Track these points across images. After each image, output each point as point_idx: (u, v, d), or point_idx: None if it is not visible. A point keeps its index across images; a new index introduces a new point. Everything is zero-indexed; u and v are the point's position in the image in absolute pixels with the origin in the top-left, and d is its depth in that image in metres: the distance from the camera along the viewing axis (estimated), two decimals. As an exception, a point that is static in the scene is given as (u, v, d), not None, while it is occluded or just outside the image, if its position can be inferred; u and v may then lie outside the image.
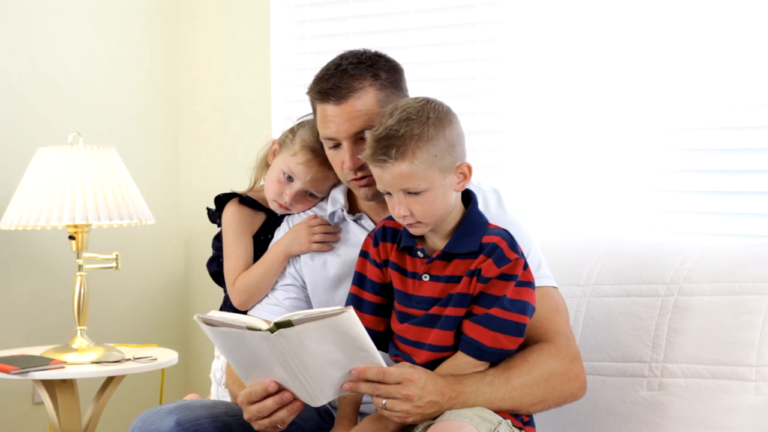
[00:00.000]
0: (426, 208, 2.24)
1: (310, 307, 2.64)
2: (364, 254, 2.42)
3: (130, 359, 3.51)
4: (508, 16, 3.47)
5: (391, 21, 3.80)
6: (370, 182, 2.47)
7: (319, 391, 2.22)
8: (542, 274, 2.44)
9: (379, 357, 2.19)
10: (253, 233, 2.76)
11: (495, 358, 2.28)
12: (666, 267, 2.64)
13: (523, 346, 2.32)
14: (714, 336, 2.51)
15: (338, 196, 2.64)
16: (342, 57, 2.50)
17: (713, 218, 3.05)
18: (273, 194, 2.70)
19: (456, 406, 2.23)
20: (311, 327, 2.11)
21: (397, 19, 3.78)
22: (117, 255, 3.61)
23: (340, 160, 2.49)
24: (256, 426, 2.30)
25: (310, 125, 2.65)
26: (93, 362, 3.49)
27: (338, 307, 2.11)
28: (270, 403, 2.25)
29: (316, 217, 2.65)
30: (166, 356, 3.60)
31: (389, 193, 2.27)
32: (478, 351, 2.26)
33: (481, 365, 2.28)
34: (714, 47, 3.03)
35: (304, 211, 2.70)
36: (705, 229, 3.04)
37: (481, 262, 2.25)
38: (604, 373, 2.63)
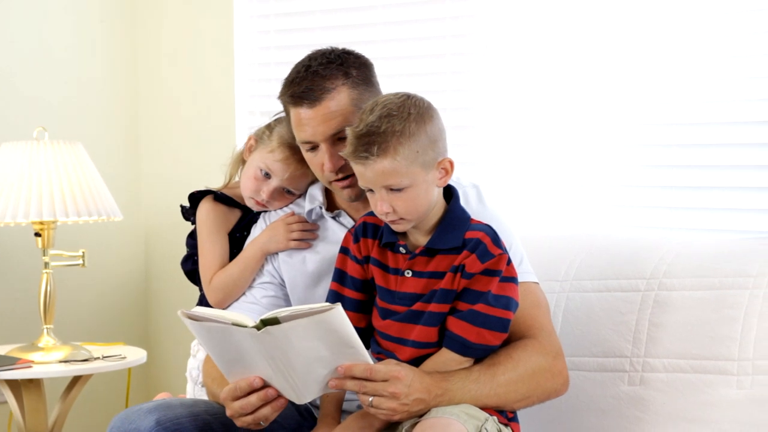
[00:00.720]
0: (408, 204, 2.23)
1: (288, 305, 2.62)
2: (344, 250, 2.40)
3: (98, 358, 3.47)
4: (478, 11, 3.46)
5: (359, 16, 3.78)
6: (353, 182, 2.45)
7: (304, 388, 2.20)
8: (524, 269, 2.44)
9: (366, 354, 2.17)
10: (228, 231, 2.73)
11: (479, 354, 2.28)
12: (645, 262, 2.65)
13: (506, 342, 2.31)
14: (695, 330, 2.51)
15: (316, 193, 2.62)
16: (310, 58, 2.47)
17: (690, 214, 3.06)
18: (250, 191, 2.67)
19: (442, 403, 2.22)
20: (298, 324, 2.09)
21: (364, 14, 3.76)
22: (84, 252, 3.56)
23: (319, 162, 2.47)
24: (238, 423, 2.27)
25: (287, 121, 2.63)
26: (61, 361, 3.44)
27: (326, 304, 2.09)
28: (254, 399, 2.23)
29: (293, 214, 2.63)
30: (135, 355, 3.56)
31: (371, 190, 2.26)
32: (462, 347, 2.25)
33: (465, 361, 2.27)
34: (692, 43, 3.03)
35: (281, 208, 2.68)
36: (682, 224, 3.05)
37: (465, 257, 2.24)
38: (585, 369, 2.63)
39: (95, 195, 3.52)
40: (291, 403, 2.31)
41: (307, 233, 2.60)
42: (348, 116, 2.42)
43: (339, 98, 2.42)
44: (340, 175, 2.47)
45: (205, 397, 2.79)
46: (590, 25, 3.20)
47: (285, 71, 3.84)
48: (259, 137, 2.69)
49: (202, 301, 2.78)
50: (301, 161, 2.58)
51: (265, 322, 2.10)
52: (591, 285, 2.70)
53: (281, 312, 2.10)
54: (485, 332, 2.24)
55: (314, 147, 2.47)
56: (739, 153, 2.99)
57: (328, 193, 2.62)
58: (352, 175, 2.43)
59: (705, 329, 2.50)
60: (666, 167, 3.10)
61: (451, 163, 2.27)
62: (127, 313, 4.24)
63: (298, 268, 2.60)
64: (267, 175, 2.64)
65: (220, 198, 2.73)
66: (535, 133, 3.33)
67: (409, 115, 2.21)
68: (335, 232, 2.58)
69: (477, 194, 2.50)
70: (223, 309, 2.64)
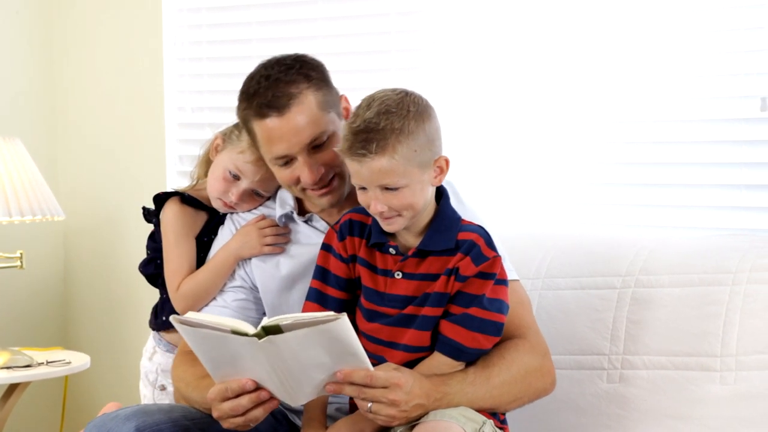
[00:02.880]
0: (403, 203, 2.19)
1: (259, 308, 2.57)
2: (326, 248, 2.34)
3: (43, 363, 3.34)
4: (423, 7, 3.44)
5: (297, 10, 3.73)
6: (332, 188, 2.42)
7: (299, 391, 2.16)
8: (506, 267, 2.42)
9: (367, 360, 2.13)
10: (195, 234, 2.65)
11: (472, 358, 2.25)
12: (620, 259, 2.66)
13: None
14: (676, 327, 2.53)
15: (287, 197, 2.56)
16: (266, 67, 2.41)
17: (660, 211, 3.07)
18: (217, 192, 2.60)
19: (440, 406, 2.19)
20: (302, 333, 2.05)
21: (304, 9, 3.71)
22: (21, 253, 3.44)
23: (295, 176, 2.41)
24: (225, 424, 2.22)
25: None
26: (1, 367, 3.32)
27: (331, 313, 2.04)
28: (245, 401, 2.18)
29: (264, 218, 2.57)
30: (78, 360, 3.44)
31: (363, 188, 2.20)
32: (456, 351, 2.22)
33: (457, 365, 2.24)
34: (666, 41, 3.04)
35: (249, 211, 2.62)
36: (652, 221, 3.06)
37: (459, 260, 2.21)
38: (561, 366, 2.63)
39: (38, 193, 3.40)
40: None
41: (280, 237, 2.54)
42: (318, 121, 2.37)
43: (306, 102, 2.36)
44: (320, 184, 2.41)
45: (167, 401, 2.76)
46: (561, 18, 3.19)
47: (217, 66, 3.89)
48: (228, 137, 2.61)
49: (164, 305, 2.71)
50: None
51: (267, 330, 2.05)
52: (564, 282, 2.70)
53: (283, 320, 2.05)
54: (479, 336, 2.22)
55: (288, 161, 2.40)
56: (710, 150, 3.02)
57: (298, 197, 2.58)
58: (330, 182, 2.41)
59: (686, 326, 2.52)
60: (636, 165, 3.11)
61: (447, 162, 2.23)
62: (41, 316, 4.11)
63: (272, 273, 2.55)
64: (236, 177, 2.58)
65: (187, 200, 2.66)
66: (504, 131, 3.30)
67: (408, 112, 2.16)
68: (308, 235, 2.54)
69: (453, 192, 2.48)
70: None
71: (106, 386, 4.06)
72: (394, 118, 2.14)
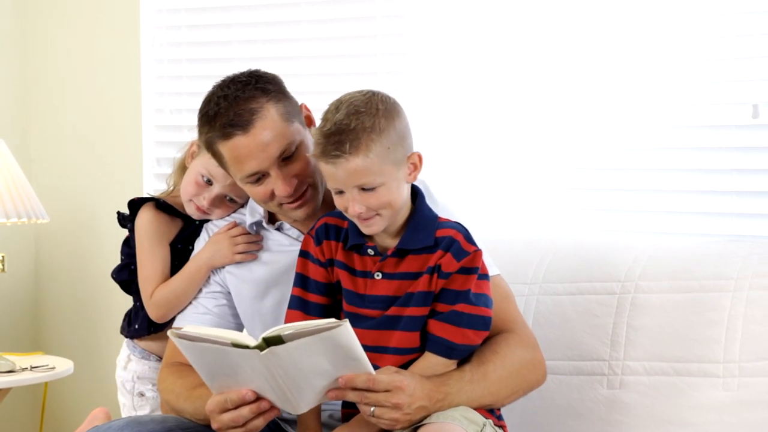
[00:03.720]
0: (382, 202, 2.18)
1: (235, 314, 2.57)
2: (304, 254, 2.33)
3: (27, 368, 3.28)
4: (409, 11, 3.42)
5: (280, 12, 3.70)
6: (306, 199, 2.40)
7: (300, 399, 2.14)
8: (486, 263, 2.40)
9: (369, 365, 2.11)
10: (170, 240, 2.64)
11: (463, 355, 2.25)
12: (618, 265, 2.65)
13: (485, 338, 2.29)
14: (677, 333, 2.53)
15: (256, 206, 2.54)
16: (221, 87, 2.37)
17: (651, 217, 3.07)
18: (189, 195, 2.60)
19: (442, 407, 2.18)
20: (304, 343, 2.02)
21: (287, 11, 3.68)
22: (3, 256, 3.38)
23: (268, 191, 2.38)
24: None
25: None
26: (-16, 373, 3.26)
27: (332, 320, 2.02)
28: (246, 411, 2.15)
29: (236, 225, 2.55)
30: (62, 365, 3.38)
31: (340, 192, 2.19)
32: (448, 350, 2.21)
33: (451, 364, 2.23)
34: (658, 45, 3.04)
35: (223, 218, 2.60)
36: (643, 227, 3.06)
37: (440, 257, 2.20)
38: (560, 372, 2.62)
39: (23, 195, 3.34)
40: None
41: (252, 245, 2.52)
42: (284, 132, 2.34)
43: (269, 116, 2.33)
44: (294, 196, 2.39)
45: (145, 410, 2.76)
46: (557, 22, 3.18)
47: (196, 68, 3.84)
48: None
49: (138, 312, 2.70)
50: None
51: (268, 341, 2.02)
52: (562, 288, 2.69)
53: (284, 330, 2.02)
54: (469, 332, 2.21)
55: (260, 177, 2.37)
56: (700, 157, 3.02)
57: None
58: (303, 193, 2.39)
59: (686, 332, 2.52)
60: (628, 170, 3.11)
61: (420, 158, 2.22)
62: (25, 321, 4.05)
63: (245, 279, 2.54)
64: (209, 182, 2.57)
65: (162, 206, 2.64)
66: (498, 137, 3.28)
67: (378, 111, 2.15)
68: (280, 242, 2.52)
69: (425, 189, 2.43)
70: (167, 321, 2.61)
71: (83, 392, 4.00)
72: (365, 117, 2.14)
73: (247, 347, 2.02)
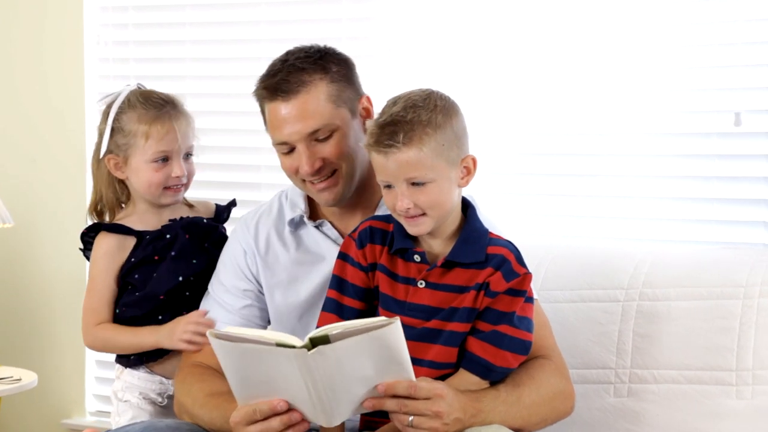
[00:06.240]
0: (431, 200, 2.11)
1: (264, 315, 2.49)
2: (343, 257, 2.26)
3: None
4: (375, 14, 3.37)
5: (238, 12, 3.61)
6: (330, 184, 2.35)
7: (336, 409, 2.04)
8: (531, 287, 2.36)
9: (411, 372, 2.03)
10: (123, 261, 2.57)
11: (498, 377, 2.18)
12: (619, 272, 2.63)
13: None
14: (687, 341, 2.51)
15: (298, 200, 2.48)
16: (288, 53, 2.38)
17: (645, 224, 3.05)
18: (160, 182, 2.54)
19: (476, 423, 2.11)
20: (353, 342, 1.93)
21: (245, 11, 3.60)
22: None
23: (295, 165, 2.35)
24: None
25: (121, 107, 2.53)
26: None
27: (383, 318, 1.94)
28: (276, 423, 2.05)
29: (204, 314, 2.48)
30: (26, 377, 3.22)
31: (388, 186, 2.13)
32: (485, 370, 2.15)
33: (484, 384, 2.17)
34: (656, 52, 3.02)
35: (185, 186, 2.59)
36: (639, 235, 3.04)
37: (489, 275, 2.14)
38: (564, 380, 2.58)
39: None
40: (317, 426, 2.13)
41: (198, 336, 2.44)
42: (324, 113, 2.31)
43: (315, 92, 2.31)
44: (317, 178, 2.34)
45: (127, 414, 2.63)
46: (554, 26, 3.15)
47: (145, 68, 3.71)
48: (122, 148, 2.54)
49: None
50: (168, 114, 2.53)
51: (315, 342, 1.93)
52: (562, 295, 2.66)
53: (332, 329, 1.94)
54: (508, 355, 2.15)
55: (290, 150, 2.34)
56: (682, 164, 3.02)
57: (310, 201, 2.49)
58: (330, 176, 2.33)
59: (697, 339, 2.50)
60: (622, 177, 3.09)
61: (474, 162, 2.17)
62: None
63: (277, 272, 2.47)
64: (165, 159, 2.53)
65: (113, 228, 2.57)
66: (498, 143, 3.24)
67: (436, 106, 2.11)
68: (317, 241, 2.45)
69: (473, 204, 2.39)
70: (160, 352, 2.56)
71: (34, 404, 3.82)
72: (422, 111, 2.10)
73: (293, 347, 1.93)
